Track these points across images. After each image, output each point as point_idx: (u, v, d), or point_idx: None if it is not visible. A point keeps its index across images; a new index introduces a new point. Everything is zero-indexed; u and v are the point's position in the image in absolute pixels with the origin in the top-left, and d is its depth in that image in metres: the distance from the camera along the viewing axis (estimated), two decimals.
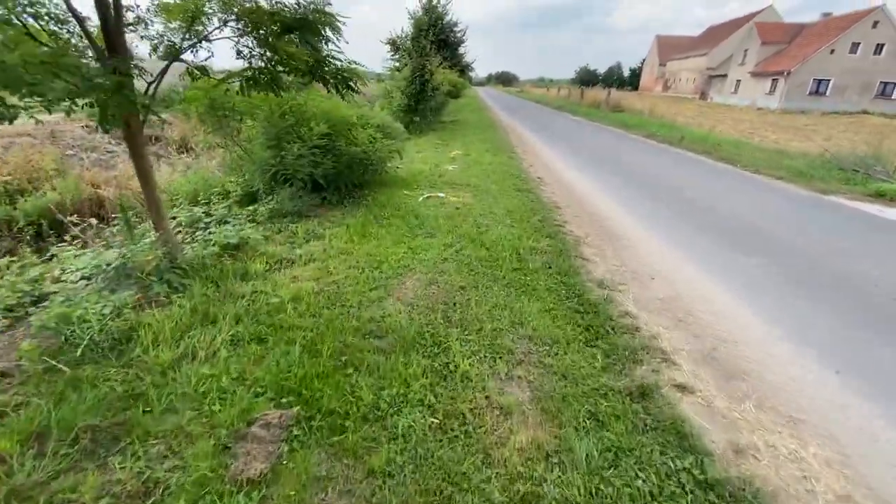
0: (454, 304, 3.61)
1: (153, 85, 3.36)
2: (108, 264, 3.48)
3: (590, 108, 26.18)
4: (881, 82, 34.80)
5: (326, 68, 3.90)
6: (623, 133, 16.24)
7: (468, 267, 4.34)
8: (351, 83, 4.11)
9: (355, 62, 3.93)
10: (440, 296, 3.75)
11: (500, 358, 2.91)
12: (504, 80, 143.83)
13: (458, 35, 30.98)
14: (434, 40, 23.65)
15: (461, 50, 32.00)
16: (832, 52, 34.67)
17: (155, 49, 3.41)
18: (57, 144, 10.40)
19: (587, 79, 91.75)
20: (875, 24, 33.70)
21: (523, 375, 2.76)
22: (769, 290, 4.10)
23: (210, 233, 4.82)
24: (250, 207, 5.57)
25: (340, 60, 3.98)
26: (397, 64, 20.90)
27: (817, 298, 3.94)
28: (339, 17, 3.67)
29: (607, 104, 24.78)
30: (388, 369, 2.75)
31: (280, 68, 3.51)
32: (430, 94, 15.47)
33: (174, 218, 5.43)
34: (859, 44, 34.27)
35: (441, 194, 7.16)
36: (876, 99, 35.03)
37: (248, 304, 3.52)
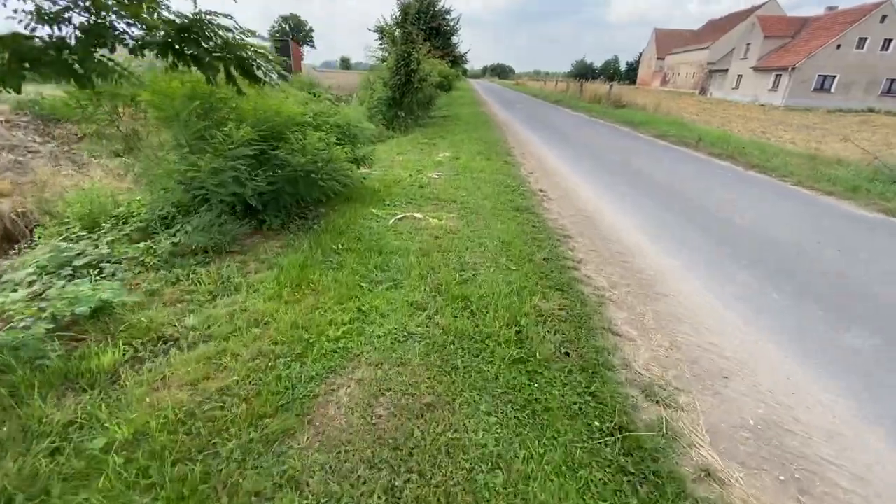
0: (411, 451, 2.10)
1: None
2: None
3: (590, 102, 24.62)
4: (888, 79, 33.60)
5: (209, 42, 2.35)
6: (631, 132, 14.73)
7: (442, 353, 2.83)
8: (255, 67, 2.57)
9: (250, 32, 2.38)
10: (389, 427, 2.24)
11: None
12: (499, 72, 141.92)
13: (452, 23, 29.32)
14: (424, 27, 21.97)
15: (454, 39, 30.37)
16: (838, 47, 33.41)
17: None
18: None
19: (584, 72, 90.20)
20: (883, 18, 32.42)
21: None
22: None
23: (75, 287, 3.27)
24: (142, 245, 4.00)
25: (232, 31, 2.43)
26: (384, 53, 19.18)
27: None
28: None
29: (609, 99, 23.24)
30: None
31: (94, 38, 1.94)
32: (416, 85, 13.85)
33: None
34: (866, 39, 33.02)
35: (419, 215, 5.63)
36: (882, 96, 33.84)
37: (47, 454, 2.00)
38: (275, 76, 2.87)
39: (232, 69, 2.48)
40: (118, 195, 5.25)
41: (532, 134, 13.90)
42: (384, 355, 2.79)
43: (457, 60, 32.26)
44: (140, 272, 3.73)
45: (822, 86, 34.35)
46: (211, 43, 2.36)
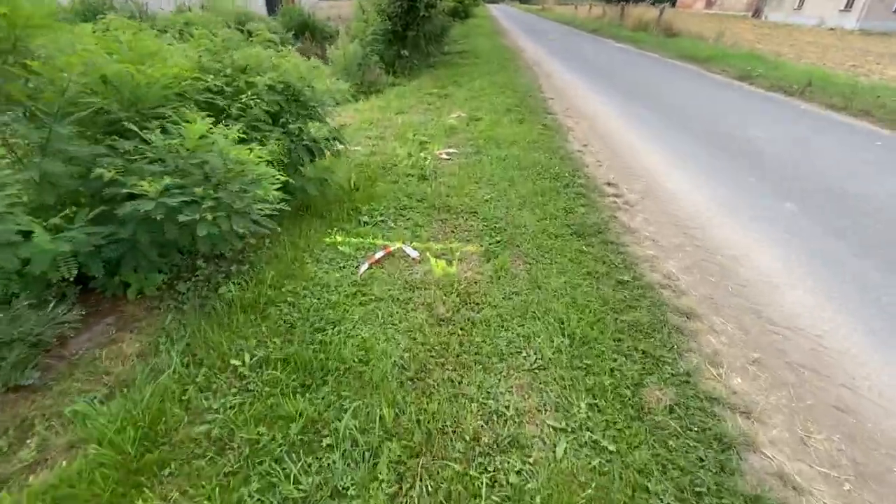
0: None
1: None
2: None
3: (634, 31, 20.55)
4: None
5: None
6: (700, 71, 11.49)
7: None
8: None
9: None
10: None
11: None
12: None
13: None
14: None
15: None
16: None
17: None
18: None
19: None
20: None
21: None
22: None
23: None
24: None
25: None
26: None
27: None
28: None
29: (658, 26, 19.22)
30: None
31: None
32: (423, 13, 10.75)
33: None
34: None
35: (413, 252, 3.28)
36: None
37: None
38: None
39: None
40: None
41: (573, 77, 10.84)
42: None
43: None
44: None
45: None
46: None
